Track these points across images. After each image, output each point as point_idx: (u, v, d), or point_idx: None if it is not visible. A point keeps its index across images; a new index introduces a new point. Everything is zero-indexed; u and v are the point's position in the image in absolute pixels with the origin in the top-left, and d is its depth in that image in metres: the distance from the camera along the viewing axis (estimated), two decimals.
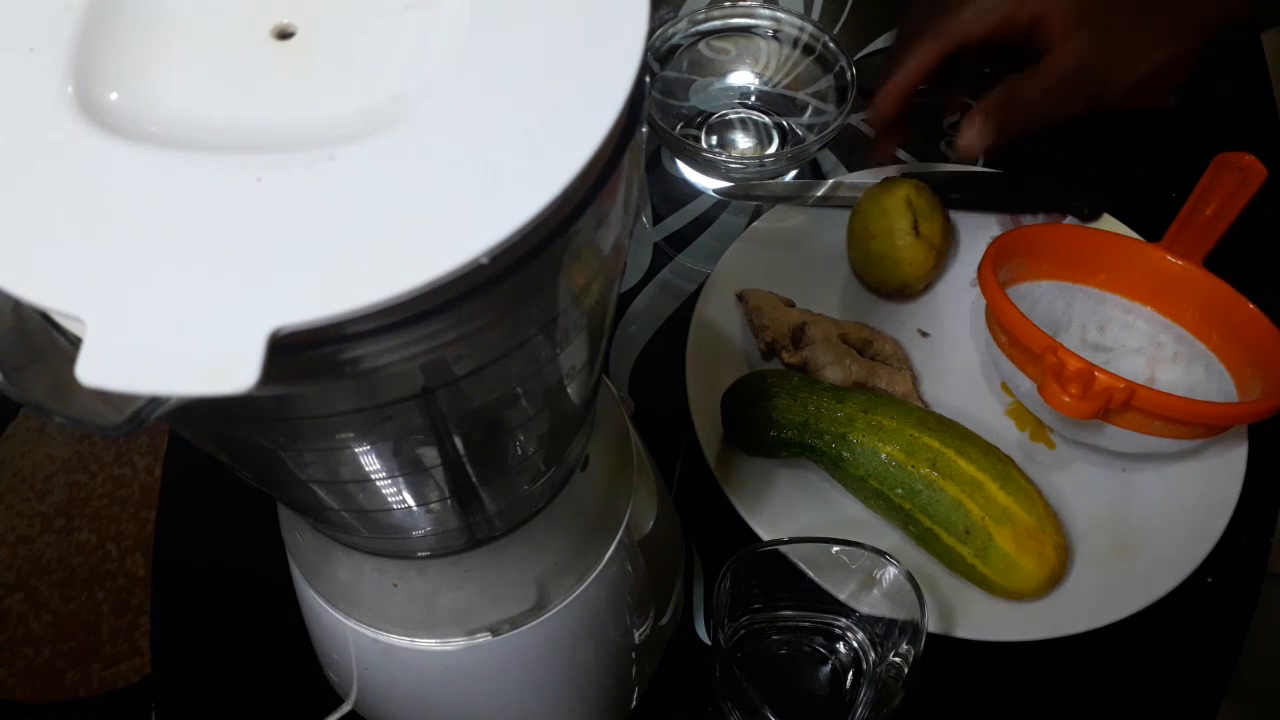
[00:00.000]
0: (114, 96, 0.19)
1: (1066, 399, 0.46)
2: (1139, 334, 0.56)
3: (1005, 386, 0.56)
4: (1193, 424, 0.48)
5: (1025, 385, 0.51)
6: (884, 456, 0.48)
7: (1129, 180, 0.61)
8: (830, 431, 0.49)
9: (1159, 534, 0.50)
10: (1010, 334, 0.50)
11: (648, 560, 0.40)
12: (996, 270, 0.52)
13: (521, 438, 0.28)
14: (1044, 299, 0.57)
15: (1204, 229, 0.55)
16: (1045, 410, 0.50)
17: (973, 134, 0.52)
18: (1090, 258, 0.57)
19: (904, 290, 0.58)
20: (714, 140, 0.66)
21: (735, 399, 0.51)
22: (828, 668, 0.47)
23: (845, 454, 0.49)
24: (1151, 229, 0.58)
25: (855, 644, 0.46)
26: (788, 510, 0.50)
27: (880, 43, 0.74)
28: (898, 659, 0.43)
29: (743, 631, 0.47)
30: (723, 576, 0.43)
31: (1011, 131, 0.52)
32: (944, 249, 0.57)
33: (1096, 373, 0.46)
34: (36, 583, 1.00)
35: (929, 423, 0.49)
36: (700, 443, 0.52)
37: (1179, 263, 0.55)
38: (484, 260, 0.17)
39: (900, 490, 0.48)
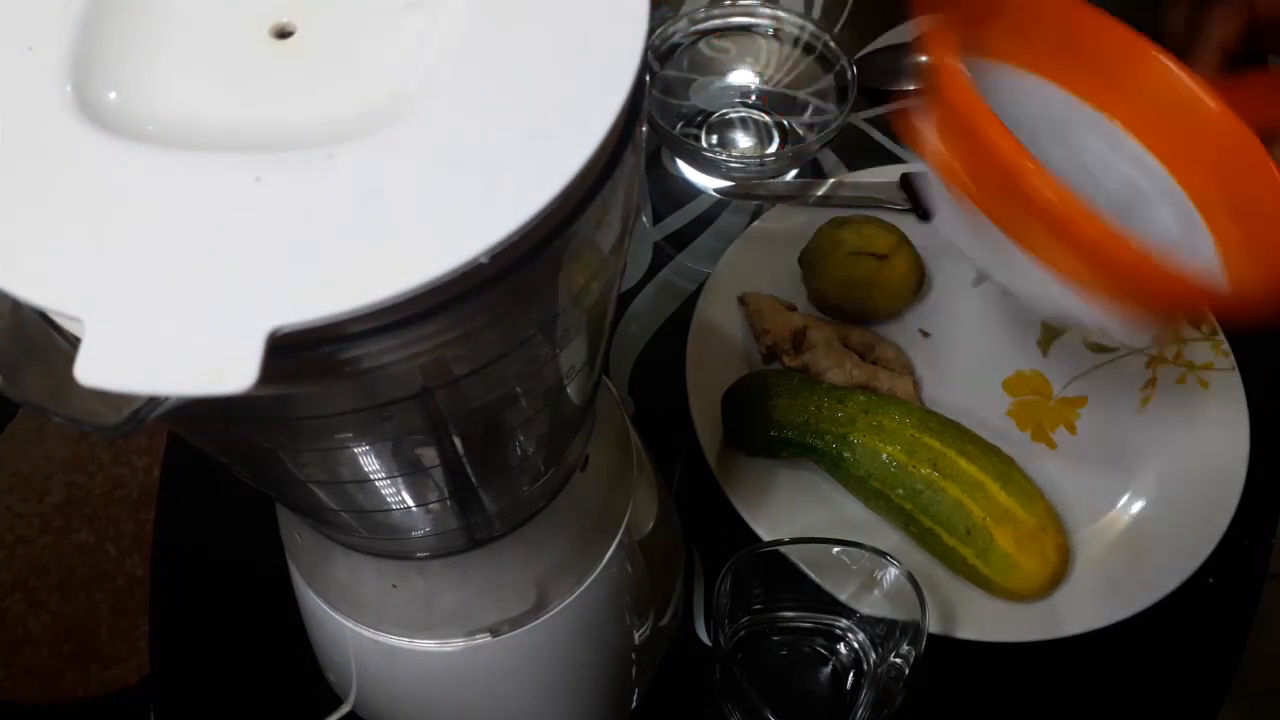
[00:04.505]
0: (112, 96, 0.19)
1: (941, 147, 0.33)
2: (1108, 169, 0.42)
3: (1005, 385, 0.55)
4: (1131, 279, 0.35)
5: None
6: (885, 457, 0.48)
7: None
8: (831, 432, 0.49)
9: (1160, 534, 0.50)
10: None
11: (648, 560, 0.40)
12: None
13: (521, 438, 0.28)
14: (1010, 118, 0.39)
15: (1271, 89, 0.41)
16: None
17: None
18: (1103, 61, 0.42)
19: (899, 310, 0.58)
20: (714, 139, 0.66)
21: (735, 399, 0.51)
22: (828, 668, 0.47)
23: (846, 454, 0.49)
24: None
25: (856, 645, 0.46)
26: (788, 511, 0.50)
27: (881, 42, 0.73)
28: (898, 660, 0.43)
29: (743, 632, 0.47)
30: (723, 577, 0.43)
31: None
32: (908, 254, 0.56)
33: (1030, 164, 0.32)
34: (35, 583, 1.00)
35: (930, 423, 0.49)
36: (700, 443, 0.52)
37: (1195, 86, 0.40)
38: (484, 260, 0.17)
39: (901, 490, 0.47)
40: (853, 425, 0.49)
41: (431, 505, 0.29)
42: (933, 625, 0.46)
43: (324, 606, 0.36)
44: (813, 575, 0.46)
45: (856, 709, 0.44)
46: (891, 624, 0.44)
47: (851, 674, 0.46)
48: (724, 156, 0.63)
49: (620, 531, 0.37)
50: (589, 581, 0.36)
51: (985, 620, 0.47)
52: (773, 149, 0.66)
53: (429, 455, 0.25)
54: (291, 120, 0.19)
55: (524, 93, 0.19)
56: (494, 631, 0.35)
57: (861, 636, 0.46)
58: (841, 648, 0.47)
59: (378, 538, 0.32)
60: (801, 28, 0.66)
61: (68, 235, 0.17)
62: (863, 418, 0.49)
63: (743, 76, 0.68)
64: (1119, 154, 0.42)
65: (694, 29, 0.67)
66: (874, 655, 0.45)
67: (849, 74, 0.63)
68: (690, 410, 0.52)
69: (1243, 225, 0.40)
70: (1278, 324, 0.35)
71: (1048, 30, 0.41)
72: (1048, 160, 0.34)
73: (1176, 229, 0.40)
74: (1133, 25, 0.42)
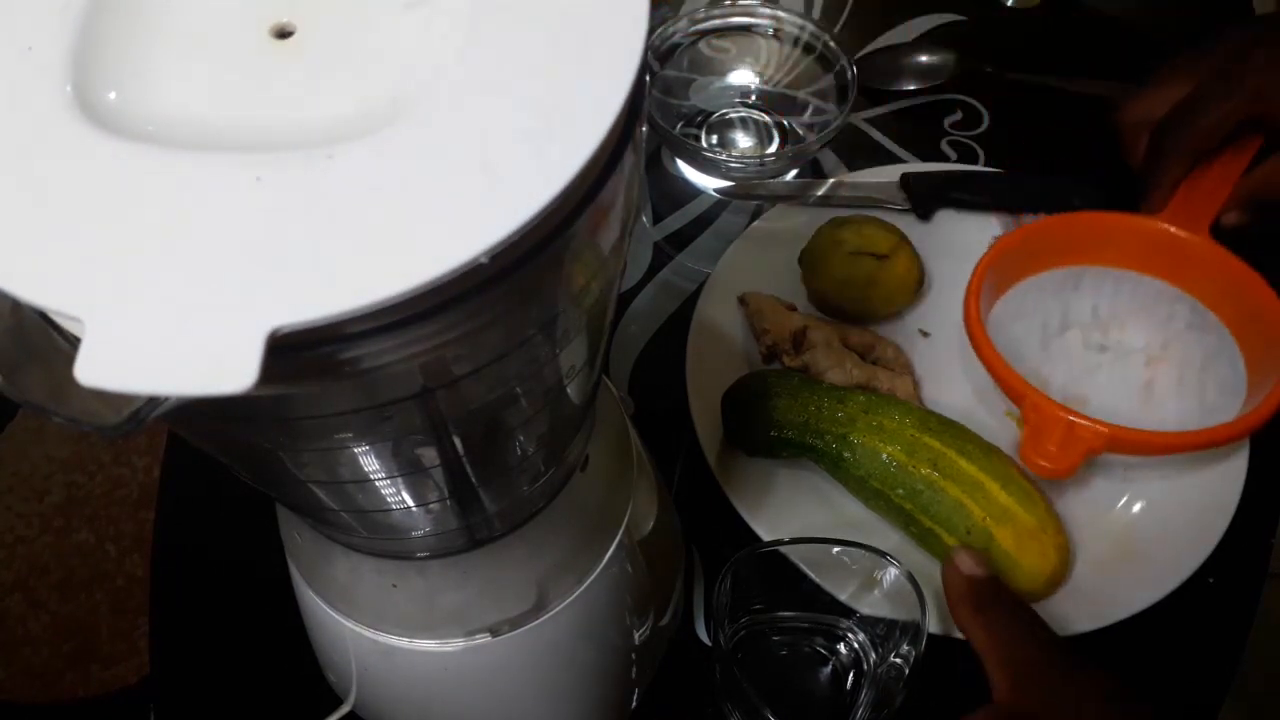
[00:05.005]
0: (112, 96, 0.19)
1: (1043, 463, 0.46)
2: (1152, 303, 0.56)
3: None
4: (1179, 451, 0.48)
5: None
6: (885, 457, 0.48)
7: (1127, 178, 0.61)
8: (831, 432, 0.49)
9: (1160, 534, 0.50)
10: (991, 372, 0.51)
11: (648, 560, 0.40)
12: (985, 280, 0.52)
13: (521, 438, 0.28)
14: (1046, 288, 0.56)
15: (1206, 198, 0.54)
16: None
17: (1230, 219, 0.55)
18: (1097, 238, 0.57)
19: (899, 310, 0.58)
20: (714, 139, 0.66)
21: (735, 399, 0.51)
22: (828, 668, 0.47)
23: (846, 454, 0.49)
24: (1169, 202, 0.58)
25: (856, 645, 0.46)
26: (788, 510, 0.50)
27: (881, 41, 0.74)
28: (899, 660, 0.43)
29: (743, 633, 0.47)
30: (723, 577, 0.43)
31: (1256, 211, 0.55)
32: (908, 256, 0.57)
33: (1075, 426, 0.46)
34: (35, 583, 0.99)
35: (930, 423, 0.49)
36: (700, 443, 0.51)
37: (1184, 235, 0.54)
38: (484, 260, 0.17)
39: (901, 490, 0.47)
40: (853, 425, 0.49)
41: (431, 505, 0.29)
42: (933, 625, 0.46)
43: (324, 606, 0.36)
44: (813, 575, 0.46)
45: (856, 709, 0.44)
46: (891, 624, 0.44)
47: (851, 674, 0.46)
48: (724, 156, 0.63)
49: (620, 531, 0.37)
50: (589, 581, 0.36)
51: None
52: (773, 149, 0.66)
53: (429, 455, 0.25)
54: (291, 120, 0.19)
55: (524, 93, 0.19)
56: (494, 631, 0.35)
57: (861, 636, 0.46)
58: (841, 648, 0.47)
59: (378, 538, 0.32)
60: (801, 27, 0.66)
61: (68, 235, 0.17)
62: (863, 418, 0.49)
63: (743, 76, 0.68)
64: (1124, 282, 0.57)
65: (694, 29, 0.67)
66: (874, 655, 0.45)
67: (849, 74, 0.63)
68: (690, 410, 0.52)
69: (1243, 313, 0.53)
70: None
71: (1068, 236, 0.57)
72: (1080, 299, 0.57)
73: (1191, 315, 0.55)
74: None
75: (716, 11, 0.67)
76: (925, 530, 0.47)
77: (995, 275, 0.54)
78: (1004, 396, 0.55)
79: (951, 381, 0.56)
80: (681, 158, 0.65)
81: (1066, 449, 0.46)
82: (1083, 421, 0.47)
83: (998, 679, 0.39)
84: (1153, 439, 0.47)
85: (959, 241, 0.60)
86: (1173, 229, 0.54)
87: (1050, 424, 0.47)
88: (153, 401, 0.16)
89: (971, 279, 0.53)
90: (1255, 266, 0.52)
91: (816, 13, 0.75)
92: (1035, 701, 0.38)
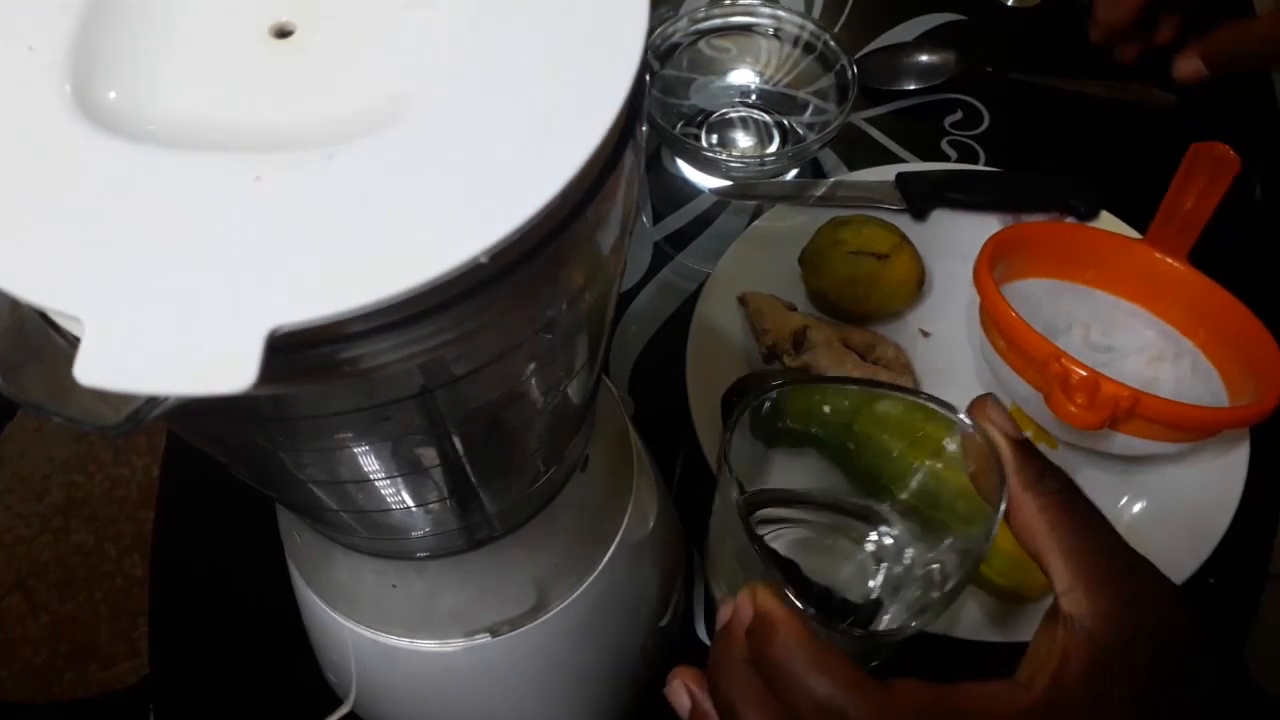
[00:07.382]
0: (112, 95, 0.19)
1: (1073, 409, 0.46)
2: (1125, 331, 0.56)
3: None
4: (1197, 429, 0.48)
5: (1022, 390, 0.50)
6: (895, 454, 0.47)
7: (1127, 177, 0.61)
8: (834, 422, 0.48)
9: (1161, 534, 0.50)
10: (1010, 340, 0.50)
11: (648, 561, 0.40)
12: (992, 270, 0.52)
13: (521, 438, 0.28)
14: (1034, 297, 0.56)
15: (1185, 222, 0.55)
16: (1044, 415, 0.50)
17: (1189, 67, 0.61)
18: (1079, 254, 0.57)
19: (899, 310, 0.58)
20: (714, 139, 0.66)
21: (735, 399, 0.51)
22: (852, 566, 0.36)
23: (850, 445, 0.48)
24: (1150, 225, 0.58)
25: (892, 538, 0.36)
26: None
27: (881, 41, 0.73)
28: (953, 553, 0.32)
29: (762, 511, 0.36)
30: (736, 419, 0.32)
31: (1220, 70, 0.60)
32: (908, 254, 0.57)
33: (1101, 381, 0.46)
34: (34, 583, 1.00)
35: None
36: (700, 443, 0.51)
37: (1165, 259, 0.55)
38: (483, 259, 0.17)
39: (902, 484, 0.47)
40: (856, 415, 0.48)
41: (431, 505, 0.29)
42: (932, 625, 0.46)
43: (324, 606, 0.36)
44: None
45: (884, 611, 0.34)
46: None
47: (881, 573, 0.35)
48: (724, 156, 0.63)
49: (620, 531, 0.37)
50: (589, 582, 0.36)
51: (987, 620, 0.47)
52: (773, 149, 0.65)
53: (429, 455, 0.25)
54: (291, 120, 0.19)
55: (524, 92, 0.19)
56: (494, 632, 0.35)
57: (899, 529, 0.36)
58: (870, 543, 0.36)
59: (378, 538, 0.32)
60: (802, 27, 0.66)
61: (67, 235, 0.17)
62: (866, 408, 0.48)
63: (743, 76, 0.68)
64: (1099, 303, 0.57)
65: (694, 28, 0.67)
66: (911, 551, 0.35)
67: (849, 73, 0.63)
68: (690, 410, 0.52)
69: (1220, 337, 0.53)
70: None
71: (1055, 247, 0.57)
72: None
73: (1158, 339, 0.55)
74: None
75: (717, 11, 0.67)
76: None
77: (996, 266, 0.54)
78: (1006, 393, 0.55)
79: (953, 381, 0.56)
80: (681, 157, 0.65)
81: (1094, 405, 0.46)
82: (1109, 384, 0.46)
83: (1079, 592, 0.27)
84: (1176, 409, 0.46)
85: (959, 241, 0.60)
86: (1156, 253, 0.55)
87: (1079, 382, 0.46)
88: (152, 401, 0.16)
89: (981, 254, 0.52)
90: (1236, 290, 0.53)
91: (817, 12, 0.75)
92: (1146, 655, 0.26)
